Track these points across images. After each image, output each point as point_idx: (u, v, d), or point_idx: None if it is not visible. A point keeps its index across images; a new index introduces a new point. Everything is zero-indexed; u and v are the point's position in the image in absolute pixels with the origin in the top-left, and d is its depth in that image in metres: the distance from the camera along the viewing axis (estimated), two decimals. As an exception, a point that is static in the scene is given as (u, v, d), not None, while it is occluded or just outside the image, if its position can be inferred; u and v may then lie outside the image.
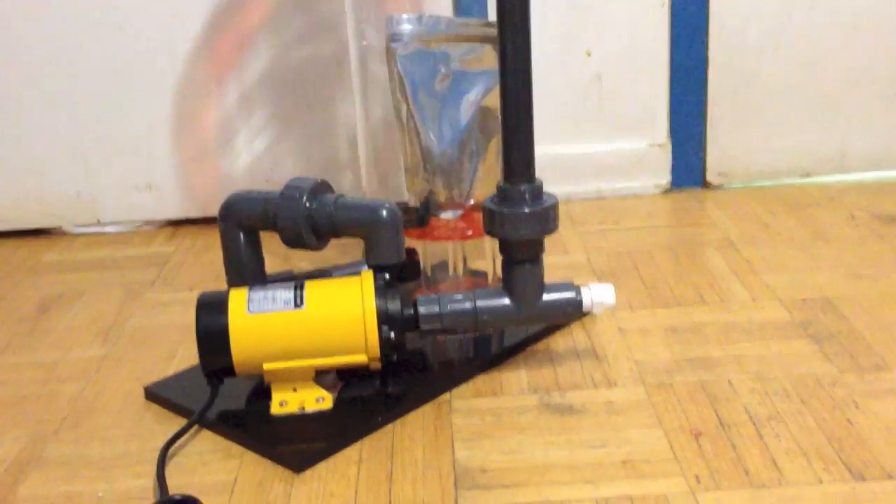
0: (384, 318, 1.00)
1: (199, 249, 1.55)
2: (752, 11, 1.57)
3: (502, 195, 1.02)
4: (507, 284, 1.05)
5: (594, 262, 1.38)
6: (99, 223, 1.64)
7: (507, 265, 1.05)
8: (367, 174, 1.41)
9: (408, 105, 1.19)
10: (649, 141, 1.63)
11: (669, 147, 1.63)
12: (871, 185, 1.63)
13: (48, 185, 1.62)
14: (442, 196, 1.20)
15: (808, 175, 1.65)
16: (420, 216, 1.19)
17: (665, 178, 1.64)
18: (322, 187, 1.07)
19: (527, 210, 1.01)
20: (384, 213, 1.03)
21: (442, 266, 1.30)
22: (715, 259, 1.36)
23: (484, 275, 1.26)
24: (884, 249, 1.36)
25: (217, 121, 1.60)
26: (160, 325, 1.29)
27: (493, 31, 1.16)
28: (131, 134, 1.60)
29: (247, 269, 1.09)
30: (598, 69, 1.60)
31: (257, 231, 1.09)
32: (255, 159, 1.62)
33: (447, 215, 1.20)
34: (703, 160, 1.64)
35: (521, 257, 1.03)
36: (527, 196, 1.01)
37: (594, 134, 1.62)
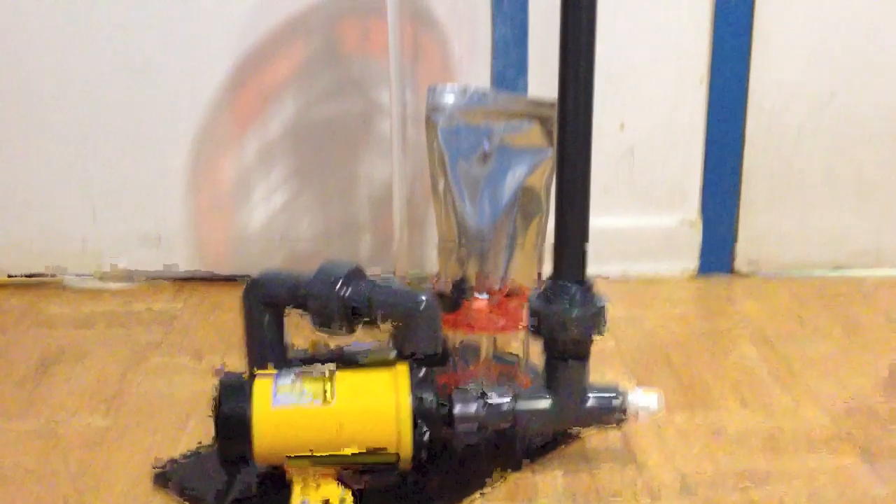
0: (420, 419, 0.93)
1: (207, 308, 1.49)
2: (792, 92, 1.52)
3: (551, 293, 0.96)
4: (550, 385, 0.98)
5: (624, 353, 1.32)
6: (103, 274, 1.57)
7: (550, 364, 0.98)
8: (399, 241, 1.35)
9: (446, 179, 1.13)
10: (679, 222, 1.57)
11: (700, 229, 1.58)
12: None
13: (53, 231, 1.55)
14: (475, 279, 1.14)
15: (840, 267, 1.59)
16: (453, 301, 1.12)
17: (693, 262, 1.58)
18: (356, 274, 1.01)
19: (576, 313, 0.95)
20: (423, 303, 0.97)
21: (470, 346, 1.24)
22: (751, 355, 1.31)
23: (515, 359, 1.20)
24: (924, 355, 1.31)
25: (234, 174, 1.54)
26: (168, 395, 1.21)
27: (543, 110, 1.12)
28: (143, 182, 1.54)
29: (270, 351, 1.02)
30: (631, 143, 1.55)
31: (283, 311, 1.03)
32: (270, 216, 1.56)
33: (480, 297, 1.14)
34: (733, 245, 1.58)
35: (567, 357, 0.97)
36: (577, 296, 0.95)
37: (622, 210, 1.57)
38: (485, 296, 1.14)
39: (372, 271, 1.04)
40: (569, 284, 0.95)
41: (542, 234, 1.14)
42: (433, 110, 1.12)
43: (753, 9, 1.48)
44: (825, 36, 1.50)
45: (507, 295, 1.15)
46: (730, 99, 1.53)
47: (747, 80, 1.51)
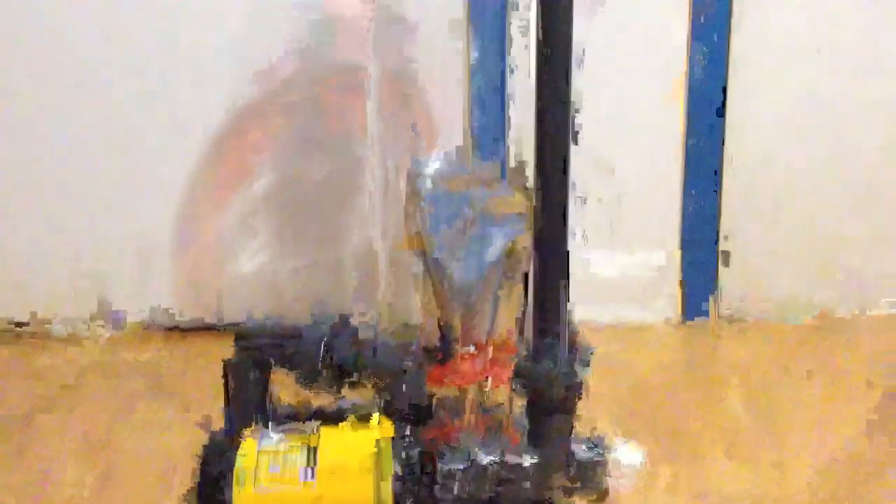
0: (404, 480, 0.93)
1: (192, 358, 1.49)
2: (769, 154, 1.55)
3: (535, 352, 0.97)
4: (536, 441, 0.99)
5: (611, 402, 1.32)
6: (92, 322, 1.57)
7: (536, 419, 0.99)
8: (385, 290, 1.36)
9: (430, 244, 1.14)
10: (664, 269, 1.59)
11: (684, 277, 1.59)
12: (885, 323, 1.58)
13: (42, 280, 1.56)
14: (461, 332, 1.14)
15: (822, 311, 1.60)
16: (439, 354, 1.13)
17: (680, 308, 1.60)
18: (343, 329, 1.01)
19: (562, 369, 0.96)
20: (410, 361, 0.98)
21: (457, 399, 1.24)
22: (736, 404, 1.31)
23: (502, 412, 1.20)
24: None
25: (221, 230, 1.55)
26: (154, 448, 1.21)
27: (523, 177, 1.13)
28: (132, 236, 1.55)
29: (254, 407, 1.03)
30: (619, 190, 1.56)
31: (269, 367, 1.03)
32: (258, 266, 1.57)
33: (466, 350, 1.14)
34: (717, 291, 1.60)
35: (553, 412, 0.98)
36: (561, 354, 0.96)
37: (609, 258, 1.58)
38: (471, 349, 1.14)
39: (358, 319, 1.04)
40: (553, 342, 0.96)
41: (526, 293, 1.15)
42: (416, 177, 1.13)
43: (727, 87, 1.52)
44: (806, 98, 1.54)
45: (494, 348, 1.15)
46: (707, 153, 1.55)
47: (723, 141, 1.54)
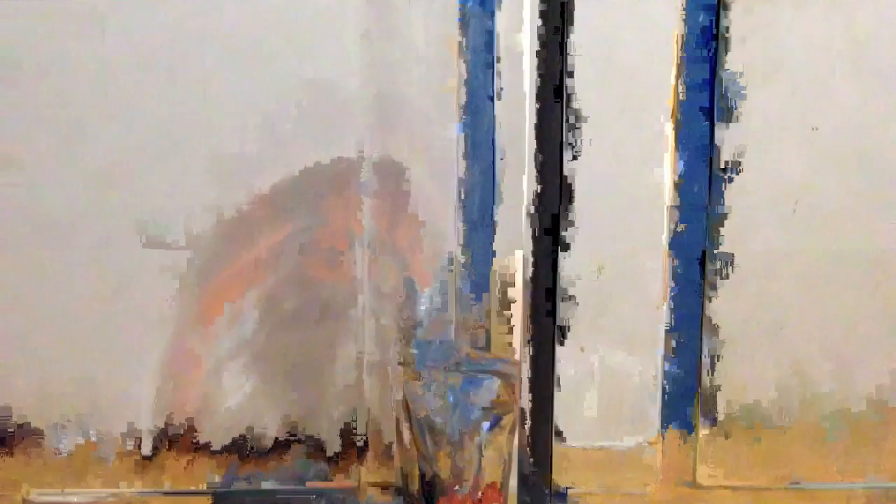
0: None
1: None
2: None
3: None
4: None
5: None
6: (63, 493, 1.56)
7: None
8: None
9: (411, 427, 1.16)
10: (641, 441, 1.61)
11: (661, 446, 1.61)
12: (861, 495, 1.60)
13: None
14: (444, 486, 1.15)
15: (797, 482, 1.63)
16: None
17: (657, 478, 1.61)
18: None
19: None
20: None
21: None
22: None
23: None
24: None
25: (197, 392, 1.56)
26: None
27: (507, 367, 1.15)
28: (106, 400, 1.55)
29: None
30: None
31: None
32: (235, 424, 1.57)
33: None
34: (693, 462, 1.62)
35: None
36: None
37: (582, 433, 1.60)
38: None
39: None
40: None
41: (505, 485, 1.17)
42: (397, 363, 1.15)
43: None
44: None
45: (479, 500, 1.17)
46: (687, 335, 1.59)
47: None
